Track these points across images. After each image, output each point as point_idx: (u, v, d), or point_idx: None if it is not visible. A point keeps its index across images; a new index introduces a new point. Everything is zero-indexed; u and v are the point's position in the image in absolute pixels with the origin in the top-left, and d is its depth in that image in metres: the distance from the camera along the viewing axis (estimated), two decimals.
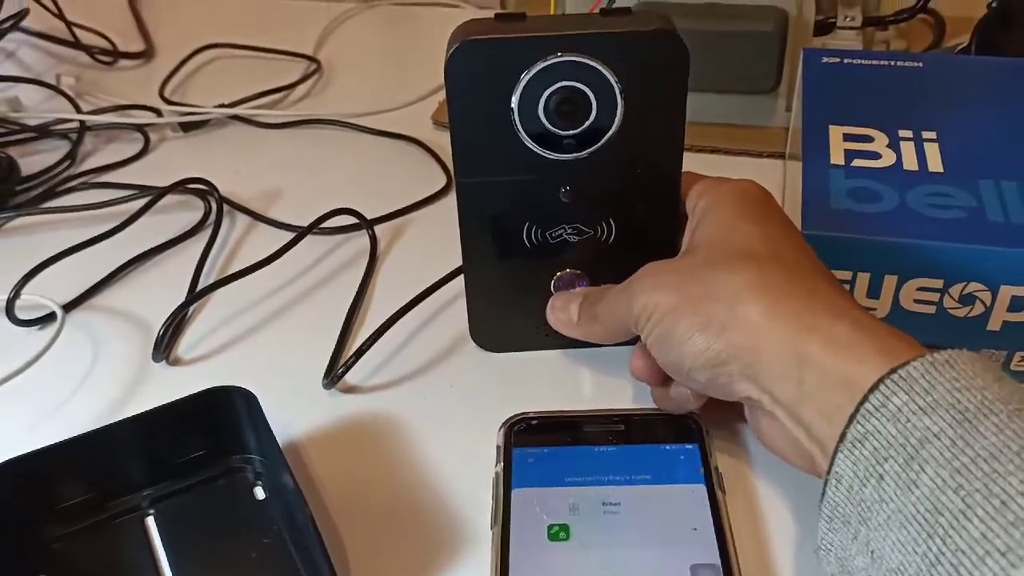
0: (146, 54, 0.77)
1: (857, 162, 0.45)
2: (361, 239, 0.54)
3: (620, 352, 0.46)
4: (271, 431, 0.38)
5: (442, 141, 0.61)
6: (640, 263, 0.38)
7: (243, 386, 0.39)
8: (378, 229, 0.55)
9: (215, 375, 0.45)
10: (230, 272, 0.50)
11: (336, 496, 0.39)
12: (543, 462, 0.39)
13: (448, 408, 0.44)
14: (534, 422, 0.41)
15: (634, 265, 0.38)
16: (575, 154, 0.39)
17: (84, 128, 0.64)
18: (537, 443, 0.40)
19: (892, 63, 0.51)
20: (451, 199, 0.45)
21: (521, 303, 0.44)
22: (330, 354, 0.46)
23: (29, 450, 0.37)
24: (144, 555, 0.37)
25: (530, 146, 0.39)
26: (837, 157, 0.45)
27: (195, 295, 0.49)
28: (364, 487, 0.40)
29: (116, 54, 0.76)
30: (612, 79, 0.37)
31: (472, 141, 0.40)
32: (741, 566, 0.35)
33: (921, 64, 0.51)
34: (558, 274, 0.43)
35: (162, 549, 0.38)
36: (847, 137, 0.46)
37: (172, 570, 0.37)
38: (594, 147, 0.39)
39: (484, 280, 0.44)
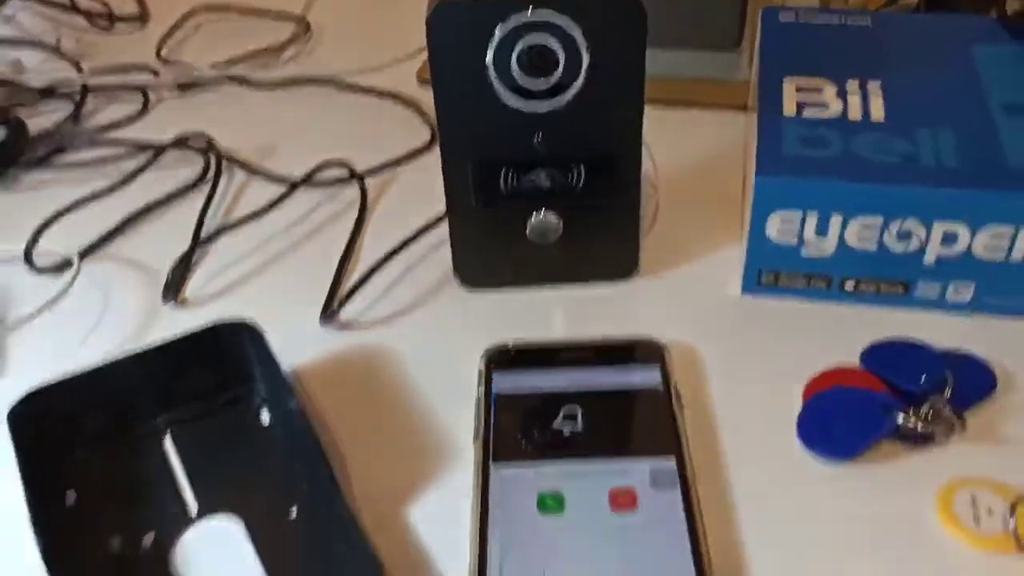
0: (141, 18, 0.80)
1: (808, 112, 0.49)
2: (352, 190, 0.58)
3: (592, 291, 0.50)
4: (275, 360, 0.42)
5: (427, 97, 0.65)
6: (606, 205, 0.42)
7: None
8: (368, 181, 0.58)
9: (220, 314, 0.49)
10: (231, 222, 0.54)
11: (335, 419, 0.44)
12: (521, 384, 0.44)
13: (435, 340, 0.48)
14: (512, 350, 0.45)
15: (601, 207, 0.42)
16: (546, 104, 0.43)
17: (86, 89, 0.68)
18: (515, 368, 0.44)
19: (844, 20, 0.55)
20: (436, 151, 0.49)
21: (501, 244, 0.49)
22: (326, 294, 0.50)
23: (55, 380, 0.41)
24: (163, 472, 0.42)
25: (505, 98, 0.43)
26: (790, 108, 0.49)
27: (200, 241, 0.53)
28: (359, 411, 0.44)
29: (112, 18, 0.79)
30: (577, 35, 0.41)
31: (453, 95, 0.43)
32: (695, 470, 0.39)
33: (870, 22, 0.55)
34: (534, 215, 0.47)
35: (179, 466, 0.42)
36: (800, 89, 0.50)
37: (189, 484, 0.41)
38: (563, 97, 0.43)
39: (466, 223, 0.48)
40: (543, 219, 0.47)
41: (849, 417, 0.41)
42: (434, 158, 0.47)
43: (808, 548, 0.37)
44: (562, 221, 0.47)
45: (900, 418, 0.40)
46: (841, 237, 0.46)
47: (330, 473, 0.38)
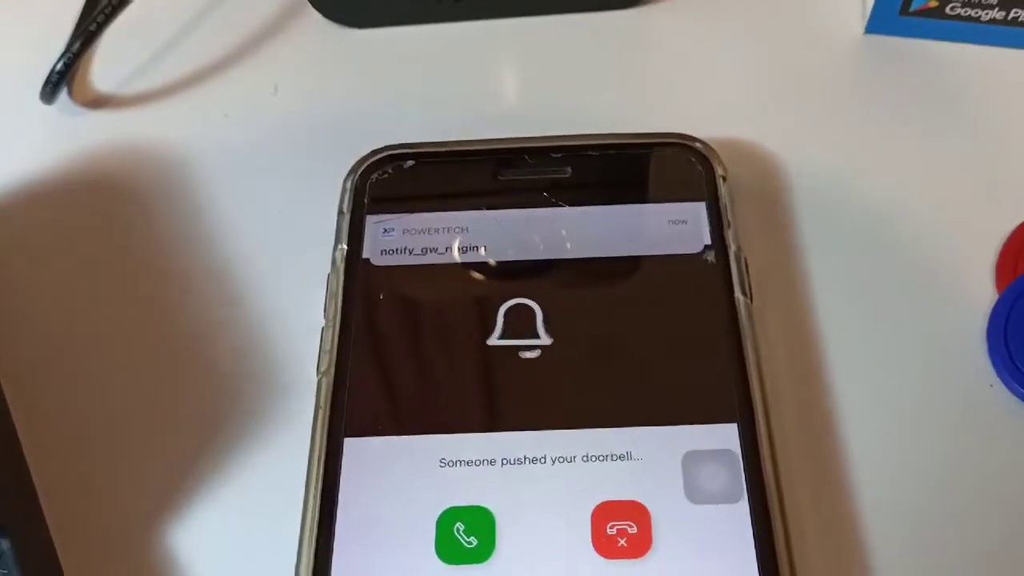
0: None
1: None
2: None
3: (570, 27, 0.26)
4: None
5: None
6: None
7: None
8: None
9: None
10: None
11: (58, 303, 0.22)
12: (418, 239, 0.21)
13: (265, 132, 0.25)
14: (408, 164, 0.23)
15: None
16: None
17: None
18: (410, 203, 0.22)
19: None
20: None
21: None
22: (61, 48, 0.26)
23: None
24: None
25: None
26: None
27: None
28: (106, 287, 0.22)
29: None
30: None
31: None
32: (777, 445, 0.18)
33: None
34: None
35: None
36: None
37: None
38: None
39: None
40: None
41: None
42: None
43: None
44: None
45: None
46: None
47: None
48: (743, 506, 0.17)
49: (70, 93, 0.26)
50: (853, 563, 0.18)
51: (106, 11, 0.24)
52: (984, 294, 0.21)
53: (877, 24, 0.25)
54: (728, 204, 0.21)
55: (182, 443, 0.20)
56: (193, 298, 0.22)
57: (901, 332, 0.20)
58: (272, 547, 0.18)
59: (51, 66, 0.24)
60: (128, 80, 0.26)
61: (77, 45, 0.24)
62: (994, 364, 0.20)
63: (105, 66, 0.26)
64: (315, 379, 0.19)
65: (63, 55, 0.24)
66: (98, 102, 0.26)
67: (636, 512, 0.18)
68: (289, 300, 0.22)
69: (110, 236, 0.23)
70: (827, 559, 0.18)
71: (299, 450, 0.19)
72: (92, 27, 0.24)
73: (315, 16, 0.26)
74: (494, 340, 0.20)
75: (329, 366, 0.19)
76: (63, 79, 0.24)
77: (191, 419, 0.20)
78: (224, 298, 0.22)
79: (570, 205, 0.22)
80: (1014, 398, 0.19)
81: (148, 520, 0.19)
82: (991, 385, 0.19)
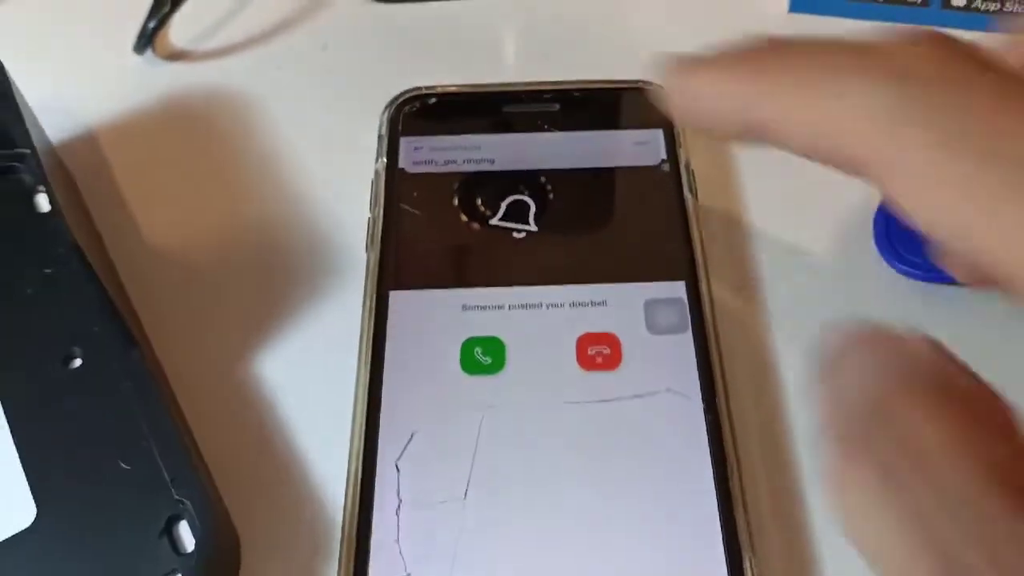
0: None
1: None
2: None
3: (562, 7, 0.33)
4: (21, 114, 0.25)
5: None
6: None
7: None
8: None
9: None
10: None
11: (157, 205, 0.28)
12: (441, 155, 0.28)
13: (316, 81, 0.31)
14: (432, 101, 0.29)
15: None
16: None
17: None
18: (434, 129, 0.28)
19: None
20: None
21: None
22: (147, 9, 0.32)
23: None
24: None
25: None
26: None
27: None
28: (195, 191, 0.28)
29: None
30: None
31: None
32: (720, 302, 0.25)
33: None
34: None
35: None
36: None
37: None
38: None
39: None
40: None
41: None
42: None
43: None
44: None
45: None
46: None
47: (105, 294, 0.23)
48: (688, 336, 0.24)
49: (153, 48, 0.32)
50: (773, 376, 0.24)
51: None
52: (874, 199, 0.27)
53: (799, 4, 0.32)
54: (680, 129, 0.28)
55: (268, 304, 0.26)
56: (269, 204, 0.28)
57: (814, 218, 0.27)
58: (338, 371, 0.24)
59: (142, 24, 0.31)
60: (199, 39, 0.32)
61: (167, 6, 0.30)
62: (878, 244, 0.26)
63: (180, 27, 0.32)
64: (364, 255, 0.25)
65: (154, 14, 0.30)
66: (175, 56, 0.32)
67: (610, 340, 0.24)
68: (343, 200, 0.27)
69: (195, 159, 0.29)
70: (752, 373, 0.24)
71: (355, 303, 0.25)
72: None
73: None
74: (495, 221, 0.26)
75: (375, 243, 0.26)
76: (155, 34, 0.30)
77: (275, 286, 0.26)
78: (293, 202, 0.28)
79: (558, 131, 0.28)
80: (891, 269, 0.26)
81: (241, 351, 0.25)
82: (876, 260, 0.26)
